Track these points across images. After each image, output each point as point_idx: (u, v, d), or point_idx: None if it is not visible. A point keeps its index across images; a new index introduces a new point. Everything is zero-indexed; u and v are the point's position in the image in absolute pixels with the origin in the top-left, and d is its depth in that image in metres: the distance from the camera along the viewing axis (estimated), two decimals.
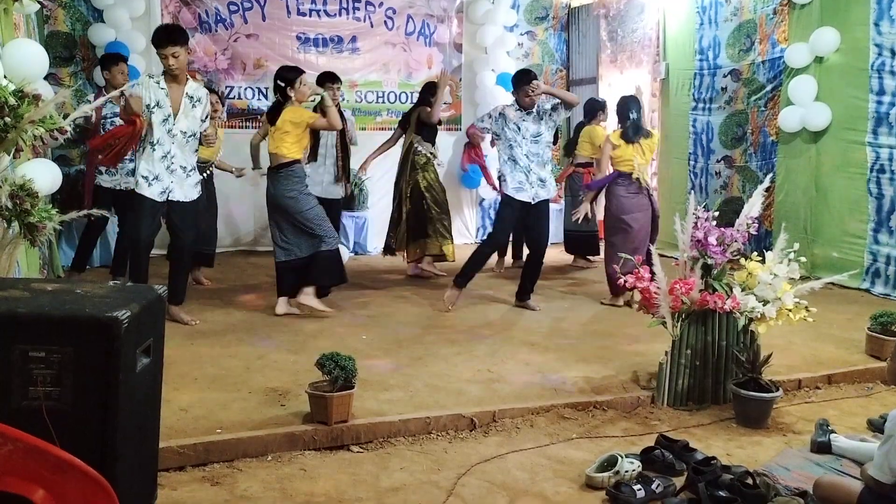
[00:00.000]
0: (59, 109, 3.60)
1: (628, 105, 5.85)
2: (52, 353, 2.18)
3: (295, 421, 3.46)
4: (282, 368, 4.23)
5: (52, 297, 2.35)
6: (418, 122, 6.70)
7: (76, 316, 2.22)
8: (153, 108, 4.82)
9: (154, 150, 4.85)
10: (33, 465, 1.95)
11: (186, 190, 5.00)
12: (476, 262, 5.75)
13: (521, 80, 5.62)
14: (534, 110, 5.63)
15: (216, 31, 7.97)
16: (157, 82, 4.86)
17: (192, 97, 4.93)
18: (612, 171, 5.87)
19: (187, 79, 4.98)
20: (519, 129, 5.60)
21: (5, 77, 3.48)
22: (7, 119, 3.01)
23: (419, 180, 6.67)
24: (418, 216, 6.71)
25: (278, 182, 5.26)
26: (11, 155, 3.18)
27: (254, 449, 3.26)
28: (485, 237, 5.94)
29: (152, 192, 4.87)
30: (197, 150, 5.16)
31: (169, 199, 4.94)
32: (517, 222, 5.84)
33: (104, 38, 7.30)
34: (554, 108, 5.65)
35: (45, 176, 3.71)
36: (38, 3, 3.41)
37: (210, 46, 7.97)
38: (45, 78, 4.32)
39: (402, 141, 6.88)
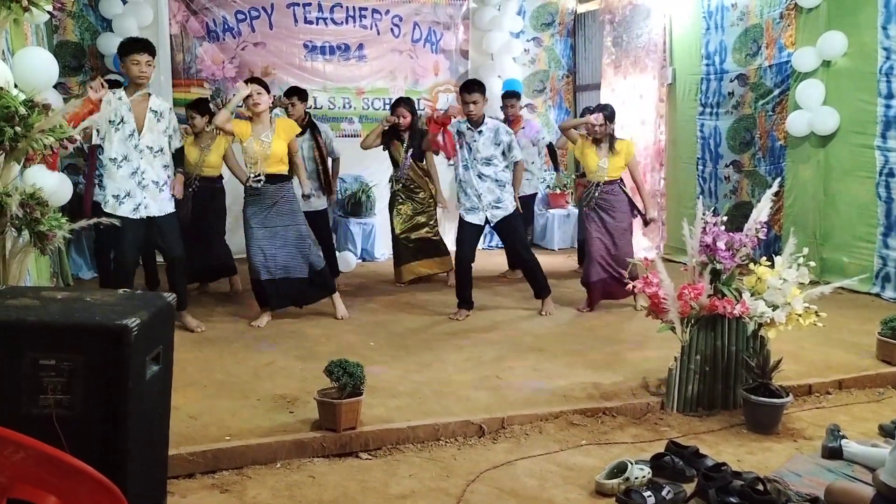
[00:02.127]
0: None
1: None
2: (62, 360, 2.19)
3: (303, 428, 3.46)
4: (290, 375, 4.24)
5: (62, 305, 2.36)
6: None
7: (86, 324, 2.23)
8: (117, 123, 4.74)
9: (119, 167, 4.78)
10: (45, 473, 1.95)
11: (161, 204, 4.94)
12: (461, 284, 5.72)
13: (464, 89, 5.55)
14: (487, 132, 5.54)
15: (224, 39, 8.01)
16: (120, 98, 4.76)
17: (155, 111, 4.88)
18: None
19: (149, 94, 4.90)
20: (471, 148, 5.56)
21: (16, 86, 3.51)
22: (17, 128, 3.03)
23: None
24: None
25: None
26: (21, 164, 3.20)
27: (263, 456, 3.27)
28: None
29: (125, 209, 4.80)
30: (167, 166, 5.02)
31: (147, 216, 4.88)
32: (476, 239, 5.82)
33: (113, 48, 7.31)
34: (508, 151, 5.60)
35: (54, 185, 3.74)
36: (48, 12, 3.43)
37: (218, 55, 8.01)
38: (55, 87, 4.35)
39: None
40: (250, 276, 5.42)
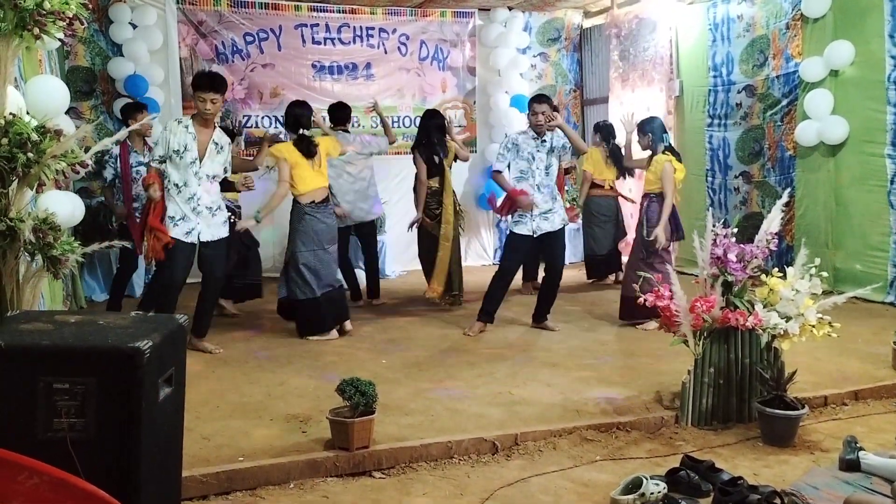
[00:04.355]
0: (80, 143, 3.65)
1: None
2: (76, 384, 2.20)
3: (316, 448, 3.46)
4: (302, 395, 4.24)
5: (76, 328, 2.37)
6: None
7: (99, 347, 2.24)
8: (182, 152, 4.88)
9: (179, 191, 4.92)
10: (59, 498, 1.96)
11: (214, 229, 5.06)
12: (493, 296, 5.70)
13: (536, 100, 5.63)
14: (548, 142, 5.59)
15: (233, 61, 8.09)
16: (186, 127, 4.93)
17: (217, 143, 5.03)
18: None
19: (215, 126, 5.08)
20: (533, 158, 5.57)
21: (28, 113, 3.55)
22: (30, 154, 3.06)
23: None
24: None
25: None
26: (34, 189, 3.23)
27: (276, 477, 3.26)
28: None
29: (178, 232, 4.91)
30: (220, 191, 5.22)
31: (199, 239, 4.99)
32: (526, 252, 5.80)
33: (124, 72, 7.44)
34: (564, 147, 5.65)
35: (66, 208, 3.77)
36: (59, 39, 3.47)
37: (227, 77, 8.04)
38: (67, 112, 4.40)
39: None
40: None
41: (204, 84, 4.92)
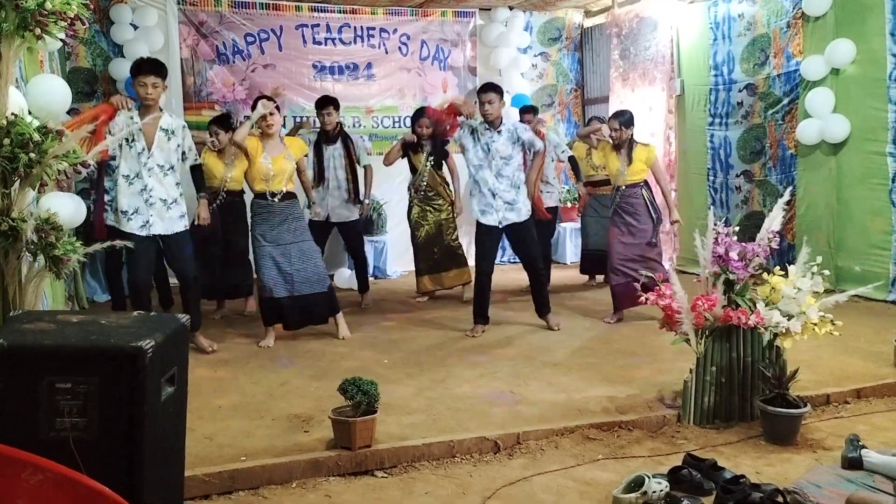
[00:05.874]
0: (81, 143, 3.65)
1: None
2: (79, 383, 2.21)
3: (319, 447, 3.46)
4: (304, 394, 4.24)
5: (78, 328, 2.38)
6: None
7: (101, 346, 2.25)
8: (131, 141, 4.78)
9: (131, 183, 4.80)
10: (63, 495, 1.97)
11: (168, 223, 4.92)
12: (480, 295, 5.66)
13: (479, 90, 5.67)
14: (505, 132, 5.51)
15: (234, 62, 8.10)
16: (132, 117, 4.79)
17: (166, 130, 4.89)
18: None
19: (161, 112, 4.91)
20: (489, 148, 5.50)
21: (30, 113, 3.55)
22: (32, 154, 3.07)
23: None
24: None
25: None
26: (36, 189, 3.24)
27: (278, 476, 3.26)
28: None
29: (132, 226, 4.81)
30: (178, 183, 5.02)
31: (154, 234, 4.87)
32: (495, 244, 5.73)
33: (124, 73, 7.42)
34: (531, 146, 5.59)
35: (68, 209, 3.77)
36: (60, 39, 3.48)
37: (228, 77, 8.10)
38: (68, 113, 4.40)
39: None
40: (261, 295, 5.41)
41: (143, 68, 4.76)
